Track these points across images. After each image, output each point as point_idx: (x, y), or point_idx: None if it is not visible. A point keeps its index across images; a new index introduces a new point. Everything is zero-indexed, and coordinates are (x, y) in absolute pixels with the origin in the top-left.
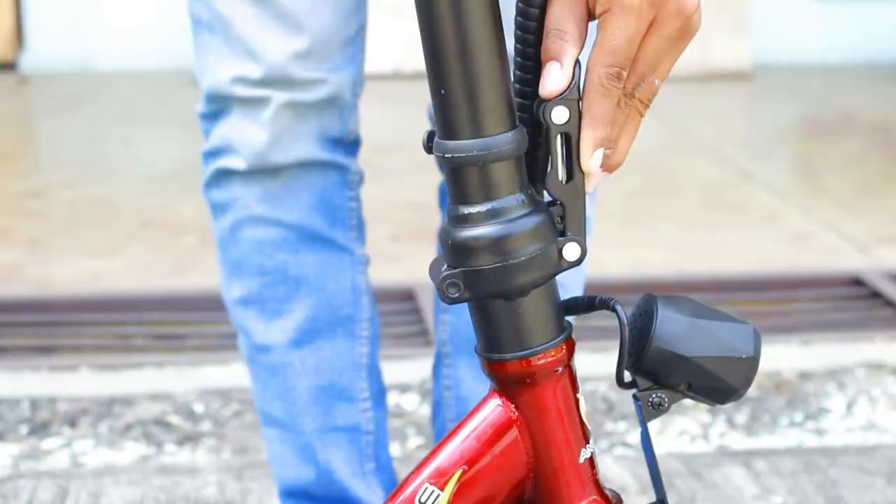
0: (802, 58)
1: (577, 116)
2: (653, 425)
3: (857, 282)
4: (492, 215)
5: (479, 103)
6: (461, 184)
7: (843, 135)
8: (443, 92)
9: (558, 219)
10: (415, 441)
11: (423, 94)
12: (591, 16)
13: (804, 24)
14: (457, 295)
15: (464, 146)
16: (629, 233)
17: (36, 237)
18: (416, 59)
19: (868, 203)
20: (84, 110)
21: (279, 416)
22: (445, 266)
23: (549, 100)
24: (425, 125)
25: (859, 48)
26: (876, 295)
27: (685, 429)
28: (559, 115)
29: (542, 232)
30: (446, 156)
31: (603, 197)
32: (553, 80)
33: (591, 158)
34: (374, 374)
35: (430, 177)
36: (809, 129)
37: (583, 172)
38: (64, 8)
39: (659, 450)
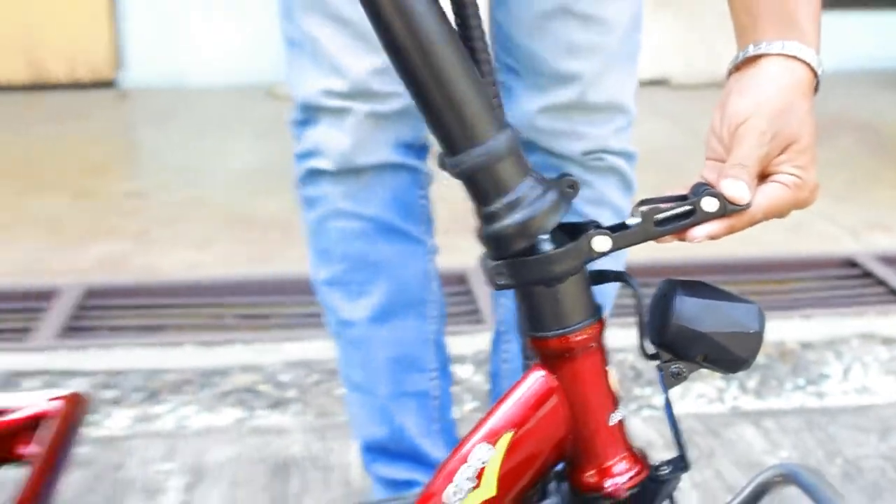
0: None
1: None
2: (674, 391)
3: (851, 263)
4: (511, 206)
5: (466, 118)
6: (477, 188)
7: (835, 135)
8: (432, 118)
9: (568, 188)
10: (470, 405)
11: None
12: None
13: None
14: (503, 282)
15: (466, 158)
16: None
17: (140, 232)
18: None
19: (859, 195)
20: (176, 122)
21: (359, 382)
22: (490, 258)
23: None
24: None
25: (850, 56)
26: (867, 275)
27: (703, 393)
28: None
29: (557, 207)
30: (455, 169)
31: None
32: (740, 190)
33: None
34: (440, 348)
35: None
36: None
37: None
38: (157, 30)
39: (680, 412)
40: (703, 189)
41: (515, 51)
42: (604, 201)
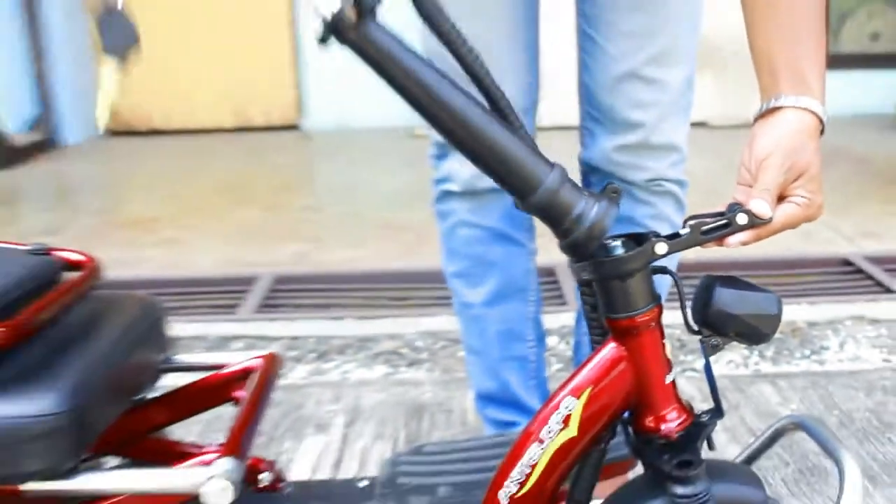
0: None
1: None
2: (711, 358)
3: (847, 262)
4: (578, 220)
5: (523, 174)
6: (549, 216)
7: (836, 164)
8: (496, 177)
9: (613, 194)
10: (556, 367)
11: (561, 140)
12: (781, 195)
13: None
14: (587, 277)
15: (534, 200)
16: None
17: (315, 236)
18: (551, 117)
19: (853, 210)
20: (342, 155)
21: (476, 348)
22: (574, 261)
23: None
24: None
25: (847, 104)
26: (859, 271)
27: (732, 359)
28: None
29: (610, 209)
30: (529, 210)
31: None
32: (764, 208)
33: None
34: (538, 324)
35: None
36: None
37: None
38: (327, 88)
39: (714, 373)
40: (736, 207)
41: (597, 105)
42: (662, 217)
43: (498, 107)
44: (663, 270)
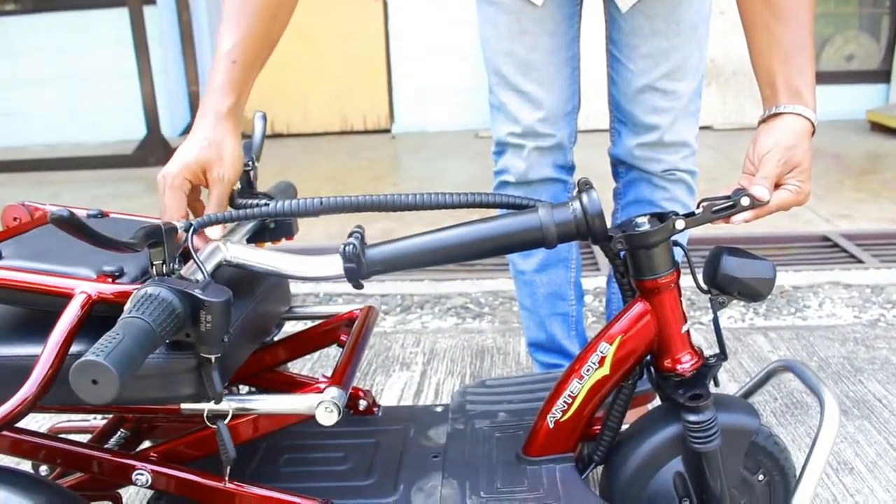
0: None
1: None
2: (718, 313)
3: (825, 238)
4: (580, 223)
5: (522, 238)
6: (563, 237)
7: (815, 160)
8: (508, 253)
9: (584, 185)
10: (590, 320)
11: (597, 139)
12: (777, 183)
13: None
14: (620, 247)
15: (548, 242)
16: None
17: (399, 215)
18: (587, 122)
19: (830, 195)
20: (422, 153)
21: (528, 305)
22: (614, 234)
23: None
24: (599, 158)
25: (825, 111)
26: (835, 245)
27: (732, 315)
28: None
29: (591, 199)
30: (550, 245)
31: None
32: (764, 193)
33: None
34: (578, 286)
35: (602, 182)
36: None
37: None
38: (413, 97)
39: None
40: (740, 192)
41: (621, 111)
42: (676, 199)
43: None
44: (676, 244)
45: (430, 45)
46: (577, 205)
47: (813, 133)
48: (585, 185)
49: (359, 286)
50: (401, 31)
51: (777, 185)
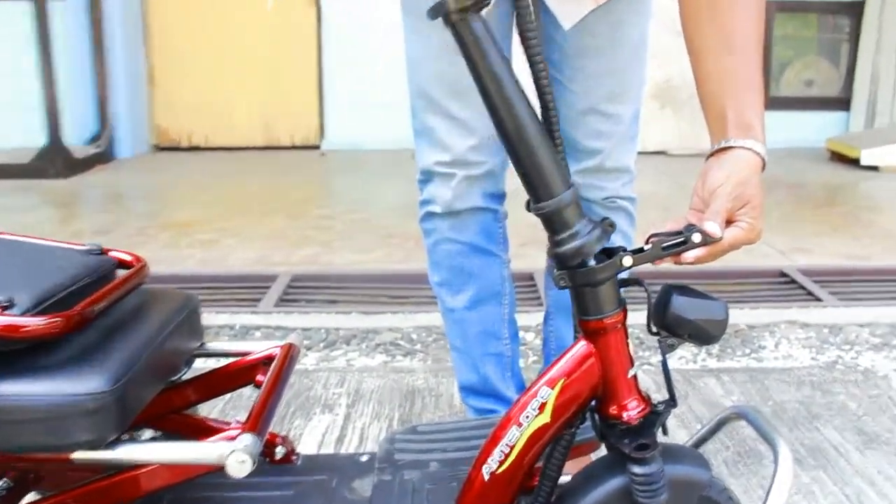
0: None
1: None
2: (667, 355)
3: (782, 274)
4: (572, 237)
5: (548, 180)
6: (551, 224)
7: (773, 190)
8: (526, 179)
9: (608, 226)
10: (532, 359)
11: None
12: (729, 220)
13: None
14: (564, 284)
15: (545, 206)
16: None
17: (327, 241)
18: None
19: (788, 228)
20: (354, 173)
21: (459, 346)
22: (556, 268)
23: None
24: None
25: (784, 139)
26: (792, 282)
27: (683, 356)
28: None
29: (601, 237)
30: (539, 213)
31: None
32: (715, 229)
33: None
34: (512, 323)
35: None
36: None
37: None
38: (345, 114)
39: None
40: (692, 228)
41: (562, 135)
42: (617, 230)
43: (549, 121)
44: (637, 282)
45: (367, 53)
46: (587, 227)
47: (763, 168)
48: (609, 227)
49: (433, 16)
50: (335, 37)
51: (728, 223)
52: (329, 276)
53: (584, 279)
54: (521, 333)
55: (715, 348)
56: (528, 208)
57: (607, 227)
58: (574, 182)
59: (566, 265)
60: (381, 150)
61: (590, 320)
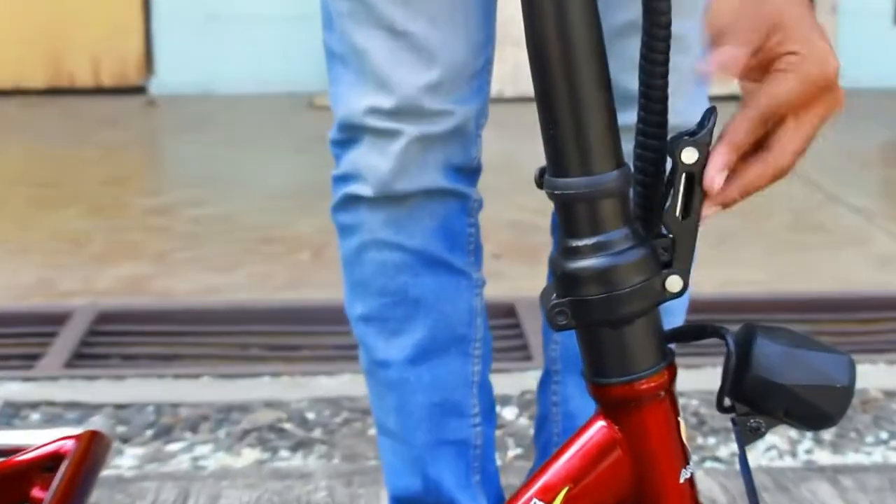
0: (887, 83)
1: (704, 158)
2: (748, 446)
3: None
4: (598, 248)
5: (587, 143)
6: (570, 218)
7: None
8: (552, 131)
9: (662, 251)
10: (514, 451)
11: (524, 117)
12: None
13: (889, 48)
14: (564, 322)
15: (573, 184)
16: (720, 253)
17: (161, 252)
18: (518, 84)
19: None
20: (206, 131)
21: (393, 428)
22: (555, 295)
23: (681, 140)
24: (525, 147)
25: None
26: None
27: (773, 444)
28: (689, 155)
29: (645, 265)
30: (556, 192)
31: None
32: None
33: (715, 178)
34: (485, 390)
35: (531, 197)
36: (893, 154)
37: (698, 215)
38: (188, 36)
39: (751, 466)
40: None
41: None
42: None
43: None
44: (703, 330)
45: None
46: (628, 240)
47: None
48: (664, 251)
49: None
50: None
51: (765, 70)
52: (161, 313)
53: (602, 313)
54: (498, 408)
55: (828, 431)
56: (539, 183)
57: (661, 249)
58: (627, 165)
59: (571, 291)
60: (251, 95)
61: (611, 385)
